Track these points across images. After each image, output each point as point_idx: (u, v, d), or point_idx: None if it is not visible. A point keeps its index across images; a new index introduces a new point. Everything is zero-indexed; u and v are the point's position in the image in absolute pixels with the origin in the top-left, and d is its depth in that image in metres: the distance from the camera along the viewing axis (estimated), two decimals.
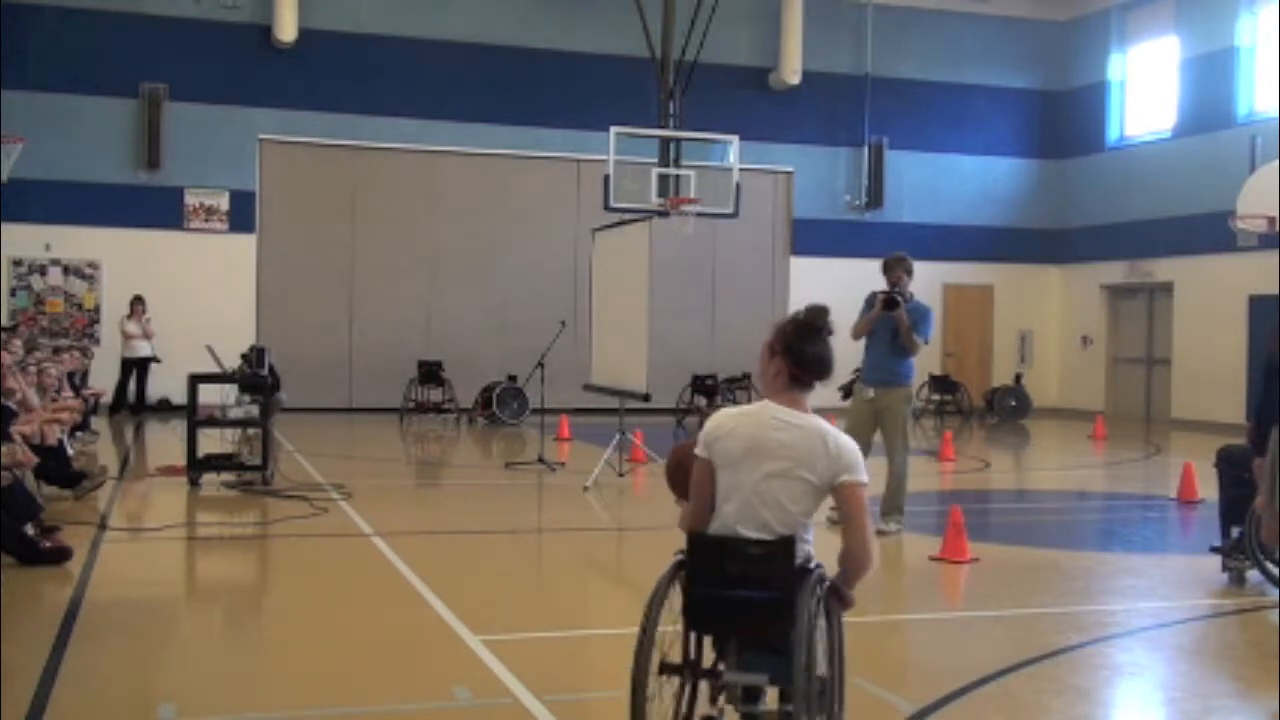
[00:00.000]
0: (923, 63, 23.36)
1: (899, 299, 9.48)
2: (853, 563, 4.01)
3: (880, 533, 9.39)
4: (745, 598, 3.86)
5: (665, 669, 3.96)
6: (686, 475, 4.11)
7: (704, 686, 3.98)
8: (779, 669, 3.78)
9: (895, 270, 9.74)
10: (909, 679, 5.72)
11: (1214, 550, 7.83)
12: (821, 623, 3.85)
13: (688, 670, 3.98)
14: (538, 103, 21.18)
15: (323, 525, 9.36)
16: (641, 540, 9.45)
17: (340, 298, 20.77)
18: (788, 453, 3.88)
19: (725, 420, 4.03)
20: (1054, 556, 8.86)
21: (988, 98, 23.86)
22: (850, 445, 3.95)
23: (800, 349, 3.96)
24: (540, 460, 13.03)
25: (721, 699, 3.97)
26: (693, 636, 3.99)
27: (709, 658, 4.02)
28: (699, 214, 15.42)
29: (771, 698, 3.93)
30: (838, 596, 4.03)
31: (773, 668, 3.83)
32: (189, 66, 19.81)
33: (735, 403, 20.13)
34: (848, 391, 11.36)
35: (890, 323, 9.48)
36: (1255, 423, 5.90)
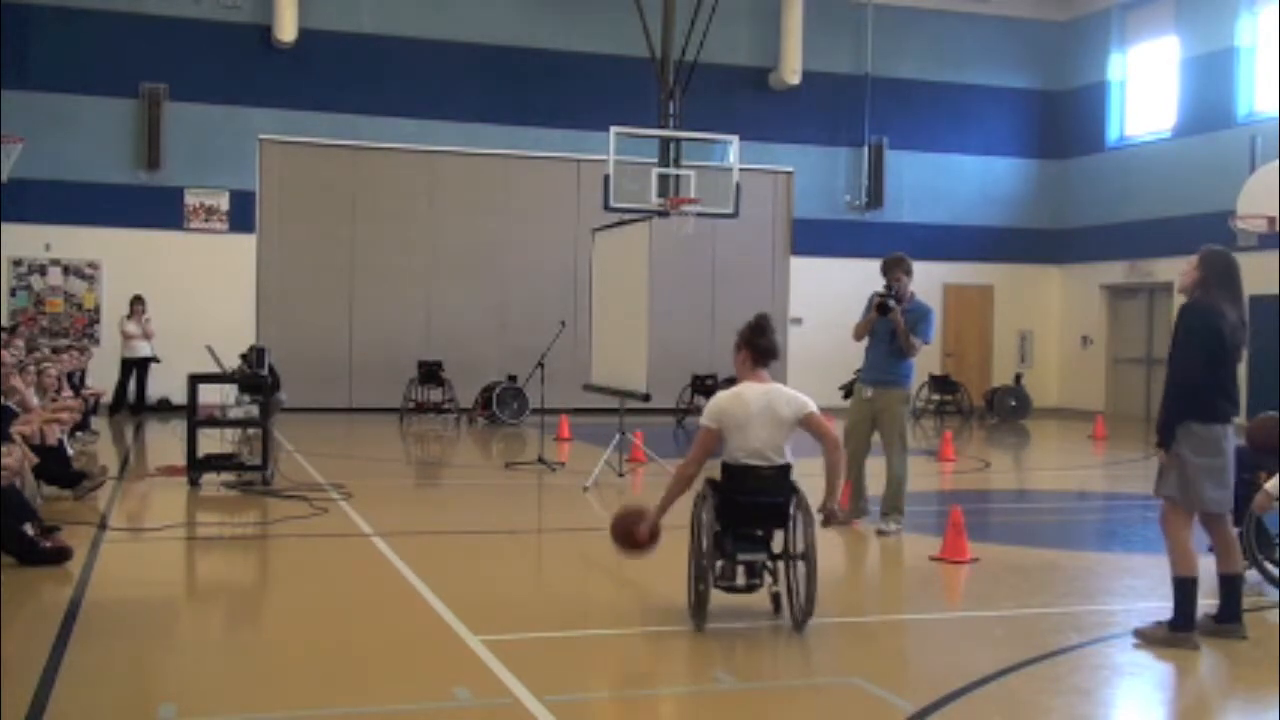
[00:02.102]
0: (923, 63, 23.36)
1: (890, 304, 9.51)
2: (832, 468, 6.41)
3: (880, 533, 9.45)
4: (768, 500, 6.29)
5: (704, 557, 6.17)
6: (625, 534, 6.47)
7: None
8: (768, 550, 6.34)
9: (893, 272, 9.74)
10: (909, 679, 5.72)
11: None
12: (800, 516, 6.23)
13: (719, 554, 6.22)
14: (538, 103, 21.18)
15: (323, 525, 9.36)
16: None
17: (340, 298, 20.77)
18: (771, 410, 6.32)
19: (723, 402, 6.39)
20: (1054, 556, 8.86)
21: (988, 98, 23.86)
22: (797, 393, 6.45)
23: (756, 341, 6.50)
24: (540, 460, 13.03)
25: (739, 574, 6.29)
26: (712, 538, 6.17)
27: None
28: (699, 214, 15.42)
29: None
30: (827, 515, 6.37)
31: (765, 550, 6.34)
32: (189, 66, 19.81)
33: None
34: (848, 391, 11.40)
35: (889, 324, 9.50)
36: (1163, 421, 6.17)
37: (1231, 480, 6.22)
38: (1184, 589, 6.13)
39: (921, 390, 21.26)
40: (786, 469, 6.29)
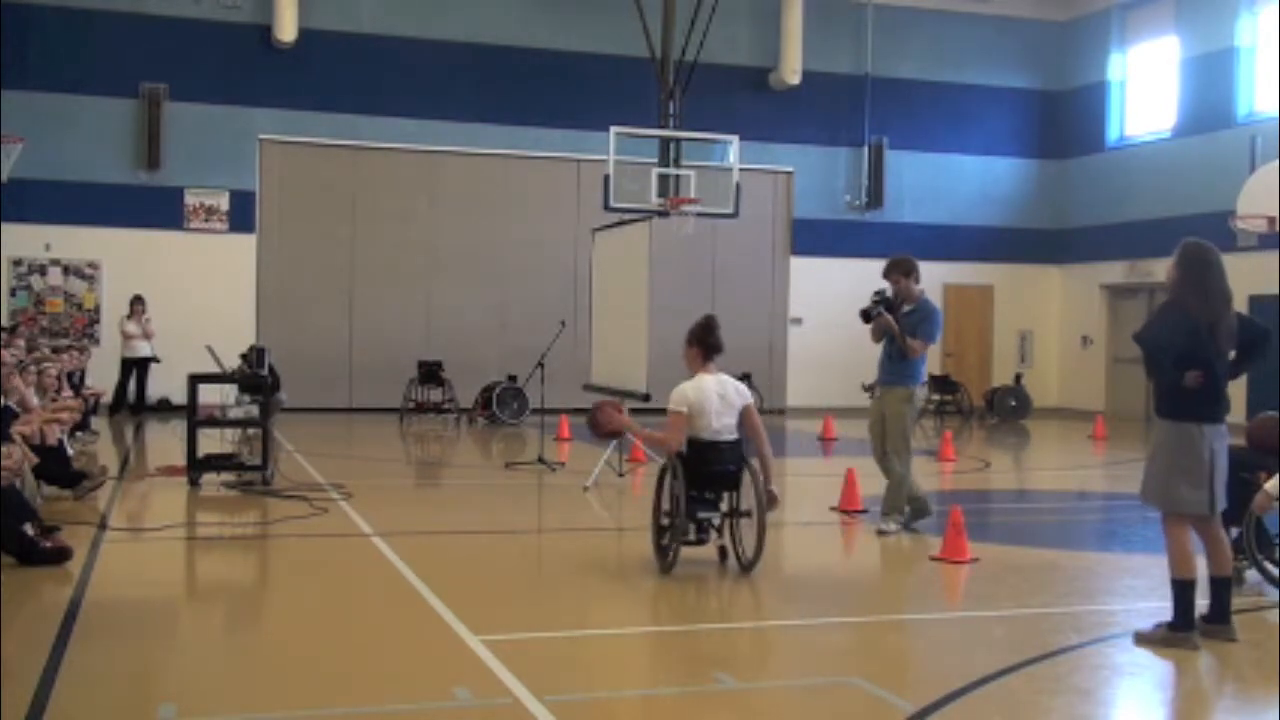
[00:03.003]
0: (923, 63, 23.36)
1: (874, 310, 9.61)
2: (765, 459, 7.71)
3: (880, 532, 9.46)
4: (727, 466, 7.68)
5: (666, 515, 7.65)
6: (600, 425, 8.30)
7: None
8: (719, 510, 7.71)
9: (891, 274, 9.78)
10: (909, 679, 5.72)
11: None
12: (748, 479, 7.62)
13: (682, 514, 7.50)
14: (538, 103, 21.18)
15: (323, 525, 9.36)
16: (641, 540, 9.46)
17: (340, 298, 20.77)
18: (726, 397, 7.68)
19: (689, 391, 7.66)
20: (1054, 556, 8.86)
21: (988, 98, 23.86)
22: (740, 384, 7.86)
23: (706, 339, 7.81)
24: (540, 460, 13.03)
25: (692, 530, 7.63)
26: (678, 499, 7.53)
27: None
28: (699, 214, 15.42)
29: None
30: (768, 496, 7.59)
31: (717, 510, 7.70)
32: (189, 66, 19.81)
33: None
34: (873, 390, 11.50)
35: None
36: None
37: (1211, 481, 6.11)
38: (1182, 590, 6.13)
39: (921, 390, 21.26)
40: (738, 443, 7.73)
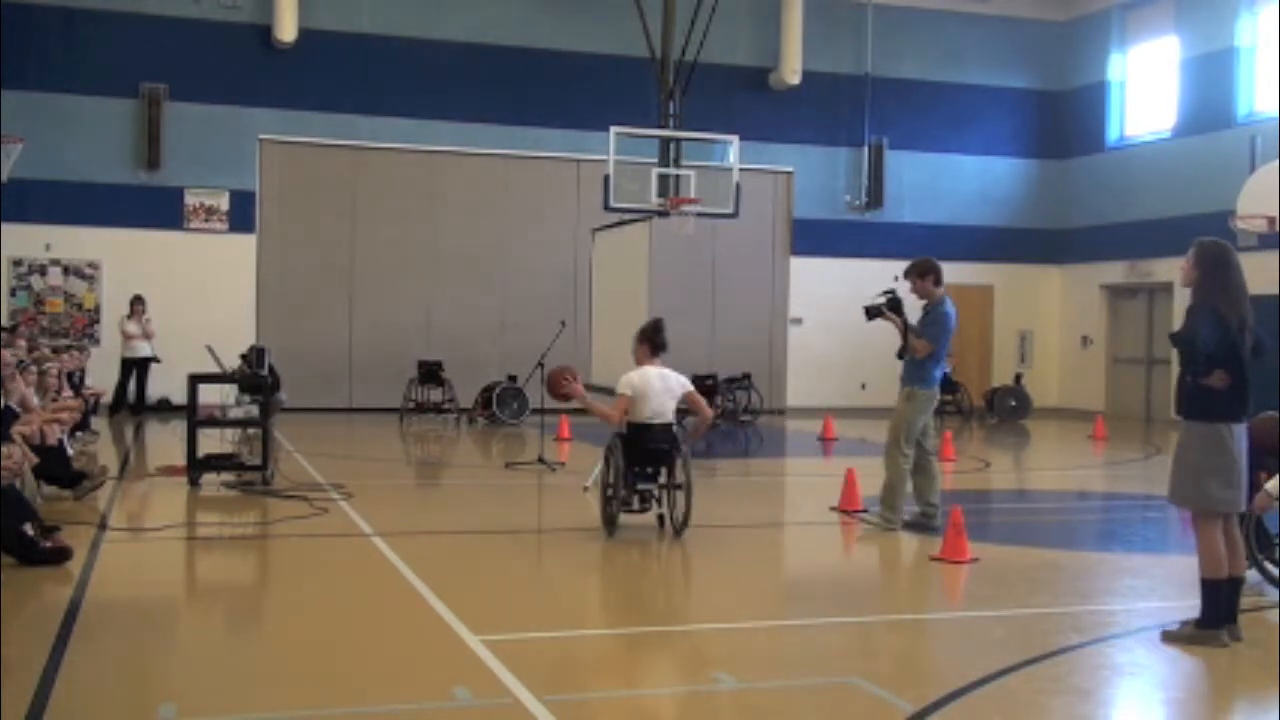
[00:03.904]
0: (923, 63, 23.36)
1: (871, 310, 9.80)
2: (702, 423, 9.40)
3: (865, 521, 9.74)
4: (660, 447, 8.90)
5: (610, 487, 8.92)
6: (554, 386, 9.44)
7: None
8: (656, 482, 8.98)
9: (909, 274, 9.86)
10: (909, 679, 5.72)
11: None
12: (680, 460, 8.90)
13: (626, 487, 8.90)
14: (537, 103, 21.18)
15: (323, 525, 9.36)
16: (641, 540, 9.46)
17: (340, 298, 20.77)
18: (665, 386, 8.91)
19: (634, 379, 8.89)
20: (1054, 556, 8.86)
21: (988, 98, 23.86)
22: (680, 375, 9.07)
23: (654, 338, 9.10)
24: (540, 460, 13.03)
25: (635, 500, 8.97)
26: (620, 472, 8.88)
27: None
28: (699, 214, 15.39)
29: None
30: (691, 430, 9.50)
31: (654, 482, 8.98)
32: (189, 66, 19.81)
33: (735, 402, 20.19)
34: None
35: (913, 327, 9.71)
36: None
37: (1241, 480, 6.20)
38: (1209, 589, 6.17)
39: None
40: (670, 426, 8.95)
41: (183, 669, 5.68)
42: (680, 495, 8.87)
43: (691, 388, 9.11)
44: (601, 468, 9.08)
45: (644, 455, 8.88)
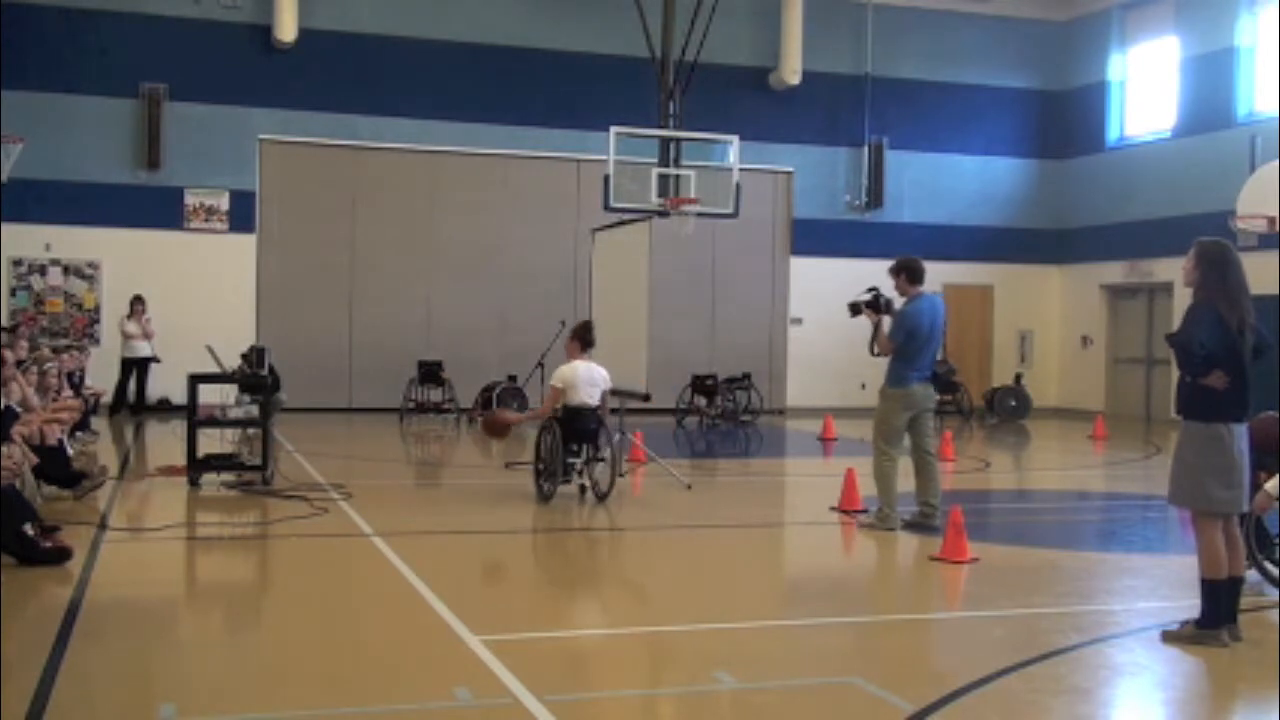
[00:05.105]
0: (923, 63, 23.36)
1: (853, 306, 9.89)
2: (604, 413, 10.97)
3: (860, 524, 9.79)
4: (588, 426, 10.63)
5: (542, 462, 10.69)
6: (493, 430, 11.75)
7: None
8: (581, 457, 10.68)
9: (890, 273, 9.88)
10: (909, 679, 5.72)
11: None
12: (604, 437, 10.69)
13: (558, 461, 10.51)
14: (538, 103, 21.18)
15: (323, 525, 9.36)
16: (641, 540, 9.46)
17: (340, 298, 20.77)
18: (592, 378, 10.60)
19: (566, 372, 10.57)
20: (1054, 556, 8.86)
21: (988, 98, 23.86)
22: (605, 372, 10.84)
23: (584, 336, 10.81)
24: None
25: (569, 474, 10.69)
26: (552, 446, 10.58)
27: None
28: (699, 214, 15.39)
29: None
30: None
31: (580, 457, 10.67)
32: (189, 66, 19.81)
33: (735, 402, 20.18)
34: None
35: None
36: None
37: (1242, 480, 6.20)
38: (1210, 589, 6.17)
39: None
40: (596, 409, 10.65)
41: (183, 669, 5.68)
42: (604, 467, 10.62)
43: (610, 386, 10.97)
44: (535, 445, 10.86)
45: (575, 434, 10.60)
